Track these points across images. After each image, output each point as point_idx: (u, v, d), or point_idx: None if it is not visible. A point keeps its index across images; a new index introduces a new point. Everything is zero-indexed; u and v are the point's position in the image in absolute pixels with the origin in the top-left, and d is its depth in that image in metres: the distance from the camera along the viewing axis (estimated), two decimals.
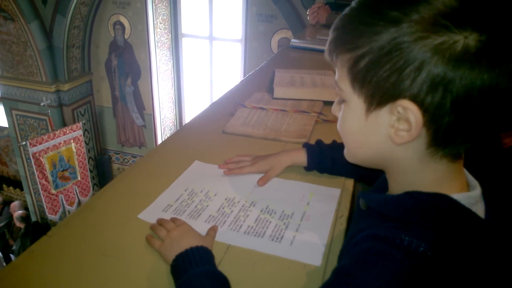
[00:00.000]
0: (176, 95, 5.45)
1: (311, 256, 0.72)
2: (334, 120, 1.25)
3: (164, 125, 5.45)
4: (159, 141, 5.47)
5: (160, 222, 0.77)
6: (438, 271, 0.48)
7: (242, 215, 0.83)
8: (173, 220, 0.77)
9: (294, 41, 2.12)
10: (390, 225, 0.54)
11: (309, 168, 0.98)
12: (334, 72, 0.59)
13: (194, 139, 1.17)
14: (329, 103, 1.37)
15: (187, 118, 5.62)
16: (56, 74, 4.88)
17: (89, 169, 4.86)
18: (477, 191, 0.56)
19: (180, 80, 5.38)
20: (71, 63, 4.92)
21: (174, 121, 5.59)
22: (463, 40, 0.45)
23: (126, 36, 4.95)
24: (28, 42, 4.68)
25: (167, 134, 5.56)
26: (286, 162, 0.97)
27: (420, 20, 0.47)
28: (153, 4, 4.69)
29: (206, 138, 1.17)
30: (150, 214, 0.82)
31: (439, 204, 0.53)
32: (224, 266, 0.69)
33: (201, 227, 0.76)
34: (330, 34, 0.58)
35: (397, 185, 0.59)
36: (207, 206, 0.86)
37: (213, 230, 0.76)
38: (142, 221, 0.81)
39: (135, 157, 5.66)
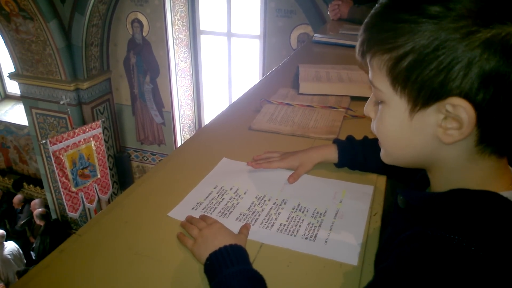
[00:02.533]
0: (195, 93, 5.46)
1: (347, 255, 0.70)
2: (363, 116, 1.23)
3: (183, 123, 5.46)
4: (178, 139, 5.49)
5: (191, 220, 0.76)
6: (490, 270, 0.45)
7: (274, 213, 0.81)
8: (204, 218, 0.76)
9: (317, 36, 2.09)
10: (436, 223, 0.51)
11: (340, 164, 0.95)
12: (366, 72, 0.57)
13: (220, 136, 1.15)
14: (356, 99, 1.34)
15: (206, 115, 5.62)
16: (75, 73, 4.94)
17: (109, 167, 4.90)
18: None
19: (199, 78, 5.38)
20: (90, 61, 4.97)
21: (193, 119, 5.60)
22: None
23: (144, 34, 4.97)
24: (47, 41, 4.73)
25: (186, 131, 5.58)
26: (316, 158, 0.95)
27: (465, 14, 0.45)
28: (171, 1, 4.70)
29: (233, 135, 1.15)
30: (180, 212, 0.81)
31: (488, 202, 0.51)
32: (258, 265, 0.66)
33: (233, 225, 0.75)
34: (362, 34, 0.55)
35: (441, 184, 0.57)
36: (237, 204, 0.84)
37: (245, 228, 0.75)
38: (172, 219, 0.79)
39: (154, 155, 5.70)
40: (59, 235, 4.92)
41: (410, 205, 0.60)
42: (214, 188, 0.89)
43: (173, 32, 4.85)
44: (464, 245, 0.46)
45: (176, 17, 4.81)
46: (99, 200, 4.80)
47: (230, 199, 0.85)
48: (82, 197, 4.58)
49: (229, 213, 0.81)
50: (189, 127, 5.63)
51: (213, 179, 0.92)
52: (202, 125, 5.69)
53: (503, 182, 0.54)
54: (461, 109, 0.47)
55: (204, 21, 5.02)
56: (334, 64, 1.68)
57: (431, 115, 0.50)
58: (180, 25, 4.90)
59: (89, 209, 4.96)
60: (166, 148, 5.59)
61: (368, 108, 0.61)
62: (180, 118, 5.43)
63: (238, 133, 1.15)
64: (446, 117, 0.49)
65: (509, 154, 0.53)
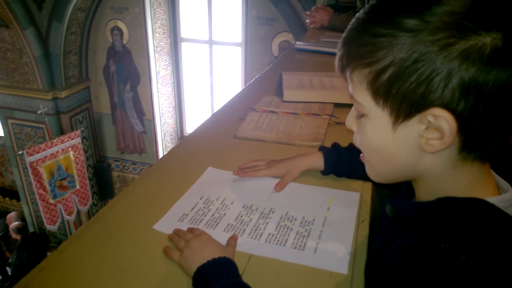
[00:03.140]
0: (177, 101, 5.42)
1: (337, 264, 0.69)
2: None
3: (164, 131, 5.41)
4: (160, 148, 5.43)
5: (178, 233, 0.74)
6: (480, 278, 0.45)
7: (262, 222, 0.80)
8: (191, 230, 0.74)
9: (299, 43, 2.10)
10: (425, 233, 0.51)
11: (326, 172, 0.95)
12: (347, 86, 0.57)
13: (205, 145, 1.14)
14: (339, 105, 1.35)
15: (188, 123, 5.58)
16: (53, 81, 4.84)
17: (88, 177, 4.80)
18: (510, 193, 0.54)
19: (180, 85, 5.35)
20: (68, 69, 4.88)
21: (174, 127, 5.56)
22: (491, 41, 0.44)
23: (124, 42, 4.92)
24: (24, 49, 4.63)
25: (168, 140, 5.52)
26: (303, 166, 0.94)
27: (442, 26, 0.45)
28: (152, 9, 4.67)
29: (218, 143, 1.14)
30: (165, 225, 0.79)
31: (476, 210, 0.51)
32: (247, 277, 0.65)
33: (220, 237, 0.73)
34: (340, 49, 0.56)
35: (427, 193, 0.57)
36: (224, 214, 0.82)
37: (233, 239, 0.73)
38: (158, 232, 0.77)
39: (135, 164, 5.62)
40: (37, 249, 4.77)
41: (398, 214, 0.60)
42: (200, 198, 0.87)
43: (154, 39, 4.82)
44: (455, 253, 0.46)
45: (156, 24, 4.78)
46: (78, 212, 4.69)
47: (217, 209, 0.84)
48: (60, 209, 4.47)
49: (216, 224, 0.79)
50: (170, 135, 5.57)
51: (199, 190, 0.90)
52: (184, 133, 5.65)
53: (488, 187, 0.54)
54: (442, 120, 0.47)
55: (185, 29, 5.00)
56: (316, 71, 1.68)
57: (414, 126, 0.50)
58: (161, 33, 4.87)
59: (68, 221, 4.85)
60: (147, 157, 5.52)
61: (349, 122, 0.61)
62: (162, 126, 5.37)
63: (223, 142, 1.14)
64: (427, 127, 0.49)
65: (491, 159, 0.54)
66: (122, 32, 4.88)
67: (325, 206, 0.85)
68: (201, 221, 0.80)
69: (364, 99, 0.53)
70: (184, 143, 1.14)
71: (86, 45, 5.01)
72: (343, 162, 0.93)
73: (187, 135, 5.62)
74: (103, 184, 5.57)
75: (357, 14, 0.55)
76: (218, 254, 0.65)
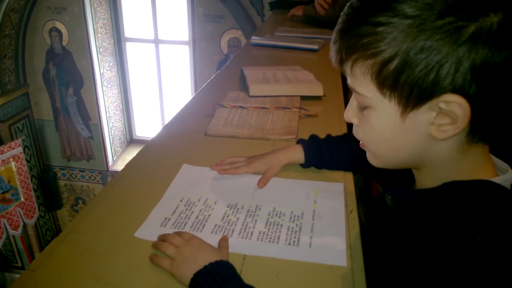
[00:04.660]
0: (124, 103, 5.20)
1: (335, 257, 0.68)
2: (316, 115, 1.23)
3: (113, 135, 5.18)
4: (109, 152, 5.19)
5: (164, 238, 0.69)
6: (496, 258, 0.46)
7: (250, 221, 0.76)
8: (179, 234, 0.69)
9: (255, 38, 2.08)
10: (436, 218, 0.51)
11: (306, 164, 0.93)
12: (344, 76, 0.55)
13: (175, 145, 1.08)
14: (306, 98, 1.34)
15: (138, 126, 5.38)
16: None
17: (33, 188, 4.49)
18: (510, 173, 0.54)
19: (127, 87, 5.14)
20: (4, 75, 4.53)
21: (123, 130, 5.34)
22: (500, 20, 0.44)
23: (64, 43, 4.64)
24: None
25: (117, 144, 5.30)
26: (283, 160, 0.92)
27: (448, 10, 0.44)
28: (92, 8, 4.44)
29: (188, 142, 1.09)
30: (147, 231, 0.73)
31: (484, 191, 0.51)
32: (245, 278, 0.62)
33: (209, 239, 0.69)
34: (337, 41, 0.53)
35: (430, 180, 0.56)
36: (209, 215, 0.78)
37: (224, 241, 0.69)
38: (140, 240, 0.72)
39: (84, 171, 5.34)
40: None
41: (401, 203, 0.60)
42: (181, 200, 0.82)
43: (96, 40, 4.59)
44: (471, 236, 0.46)
45: (98, 24, 4.55)
46: (24, 226, 4.38)
47: (200, 211, 0.79)
48: (5, 224, 4.15)
49: (202, 226, 0.75)
50: (119, 139, 5.35)
51: (177, 191, 0.85)
52: (134, 137, 5.45)
53: (489, 169, 0.55)
54: (454, 105, 0.47)
55: (129, 28, 4.81)
56: (274, 65, 1.67)
57: (424, 114, 0.49)
58: (103, 33, 4.65)
59: (14, 236, 4.52)
60: (96, 163, 5.27)
61: (349, 115, 0.59)
62: (109, 130, 5.14)
63: (194, 140, 1.09)
64: (438, 114, 0.49)
65: (495, 141, 0.54)
66: (61, 33, 4.60)
67: (311, 199, 0.83)
68: (185, 224, 0.76)
69: (368, 91, 0.51)
70: (151, 145, 1.08)
71: (23, 49, 4.68)
72: (323, 154, 0.92)
73: (137, 138, 5.43)
74: (49, 195, 5.23)
75: (350, 3, 0.53)
76: (214, 258, 0.61)
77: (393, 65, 0.48)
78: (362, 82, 0.52)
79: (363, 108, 0.55)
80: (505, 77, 0.45)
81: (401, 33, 0.46)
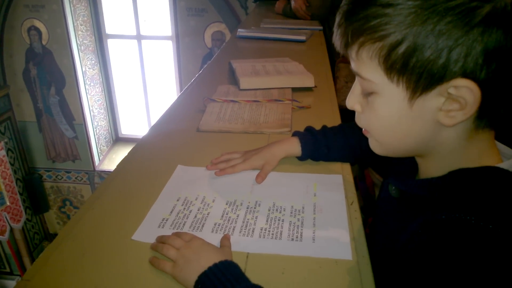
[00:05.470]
0: (108, 101, 5.11)
1: (340, 250, 0.66)
2: (309, 106, 1.21)
3: (98, 134, 5.09)
4: (95, 152, 5.11)
5: (164, 240, 0.66)
6: (509, 246, 0.44)
7: (251, 217, 0.75)
8: (179, 234, 0.67)
9: (241, 31, 2.05)
10: (443, 208, 0.50)
11: (303, 157, 0.91)
12: (347, 63, 0.54)
13: (167, 142, 1.06)
14: (297, 90, 1.32)
15: (123, 124, 5.30)
16: None
17: (19, 191, 4.41)
18: None
19: (110, 85, 5.04)
20: None
21: (108, 129, 5.25)
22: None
23: (44, 42, 4.52)
24: None
25: (103, 143, 5.21)
26: (280, 154, 0.90)
27: None
28: (71, 5, 4.33)
29: (181, 139, 1.06)
30: (145, 233, 0.71)
31: (492, 178, 0.50)
32: (250, 277, 0.59)
33: (209, 239, 0.67)
34: (341, 24, 0.51)
35: (436, 168, 0.55)
36: (208, 214, 0.76)
37: (226, 239, 0.67)
38: (139, 242, 0.69)
39: (70, 172, 5.24)
40: None
41: (406, 193, 0.58)
42: (177, 200, 0.80)
43: (77, 38, 4.49)
44: (482, 224, 0.45)
45: (78, 21, 4.45)
46: (11, 230, 4.29)
47: (198, 209, 0.77)
48: None
49: (202, 226, 0.73)
50: (105, 138, 5.27)
51: (173, 190, 0.83)
52: (120, 135, 5.37)
53: (494, 154, 0.54)
54: (465, 90, 0.45)
55: (110, 25, 4.71)
56: (262, 57, 1.65)
57: (432, 99, 0.48)
58: (83, 30, 4.55)
59: (1, 242, 4.43)
60: (82, 164, 5.18)
61: (352, 101, 0.57)
62: (94, 129, 5.05)
63: (186, 137, 1.06)
64: (446, 99, 0.47)
65: (501, 127, 0.53)
66: (40, 32, 4.48)
67: (311, 192, 0.82)
68: (184, 224, 0.73)
69: (375, 75, 0.50)
70: (143, 143, 1.05)
71: (1, 49, 4.55)
72: (320, 146, 0.90)
73: (123, 136, 5.35)
74: (35, 197, 5.14)
75: None
76: (218, 258, 0.59)
77: (402, 48, 0.46)
78: (368, 66, 0.50)
79: (367, 94, 0.53)
80: None
81: (411, 14, 0.44)
